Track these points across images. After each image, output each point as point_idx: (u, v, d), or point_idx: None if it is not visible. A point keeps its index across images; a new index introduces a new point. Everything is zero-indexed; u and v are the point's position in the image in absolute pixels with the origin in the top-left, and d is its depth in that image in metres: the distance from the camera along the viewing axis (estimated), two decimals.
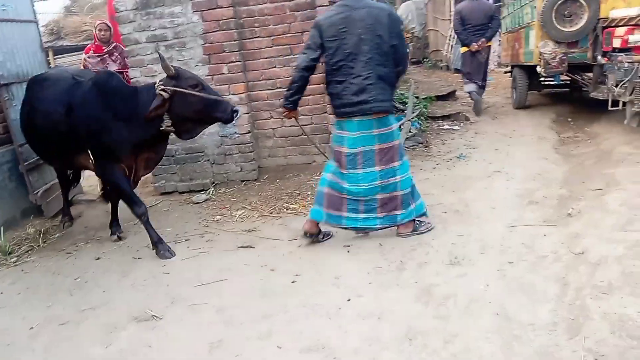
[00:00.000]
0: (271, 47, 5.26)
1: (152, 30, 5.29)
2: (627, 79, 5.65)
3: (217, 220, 4.47)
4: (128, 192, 3.91)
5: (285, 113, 3.76)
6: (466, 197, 4.46)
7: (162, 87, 3.62)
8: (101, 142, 3.78)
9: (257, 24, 5.24)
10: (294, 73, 3.54)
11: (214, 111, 3.74)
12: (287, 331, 2.64)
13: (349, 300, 2.87)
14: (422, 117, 7.96)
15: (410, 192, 3.67)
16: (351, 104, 3.41)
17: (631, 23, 5.81)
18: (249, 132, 5.32)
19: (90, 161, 3.91)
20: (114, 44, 5.52)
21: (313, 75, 3.55)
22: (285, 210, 4.47)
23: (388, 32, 3.36)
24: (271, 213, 4.45)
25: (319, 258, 3.47)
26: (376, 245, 3.60)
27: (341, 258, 3.44)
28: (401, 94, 10.24)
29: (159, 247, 3.84)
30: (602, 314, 2.46)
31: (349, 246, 3.62)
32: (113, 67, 5.33)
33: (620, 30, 5.88)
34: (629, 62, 5.60)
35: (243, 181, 5.37)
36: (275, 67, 5.28)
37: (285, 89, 3.66)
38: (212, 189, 5.28)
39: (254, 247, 3.79)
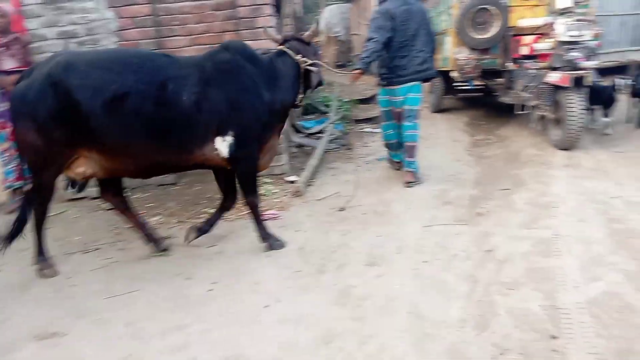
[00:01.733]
0: (191, 46, 5.08)
1: (62, 26, 4.96)
2: (533, 84, 6.03)
3: (130, 227, 4.25)
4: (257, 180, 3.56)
5: (359, 73, 4.67)
6: (386, 198, 4.55)
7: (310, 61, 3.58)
8: (256, 120, 3.33)
9: (176, 22, 5.06)
10: (373, 45, 4.56)
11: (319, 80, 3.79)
12: (202, 342, 2.55)
13: (267, 306, 2.82)
14: (345, 120, 8.09)
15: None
16: (417, 72, 4.70)
17: (537, 32, 6.21)
18: None
19: (218, 152, 3.29)
20: (14, 35, 4.86)
21: None
22: (204, 215, 4.33)
23: (430, 22, 4.86)
24: (190, 219, 4.31)
25: (238, 264, 3.39)
26: (297, 248, 3.59)
27: (261, 263, 3.39)
28: (325, 96, 10.36)
29: (269, 240, 3.58)
30: (508, 309, 2.59)
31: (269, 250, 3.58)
32: (9, 64, 4.71)
33: (527, 39, 6.28)
34: (534, 69, 5.99)
35: (160, 185, 5.16)
36: None
37: (363, 55, 4.62)
38: (127, 194, 5.03)
39: (169, 255, 3.64)
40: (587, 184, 4.45)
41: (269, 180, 5.07)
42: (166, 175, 4.87)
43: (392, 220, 4.00)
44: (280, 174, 5.20)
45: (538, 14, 6.77)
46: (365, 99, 10.32)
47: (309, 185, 5.01)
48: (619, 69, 10.63)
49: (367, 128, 7.89)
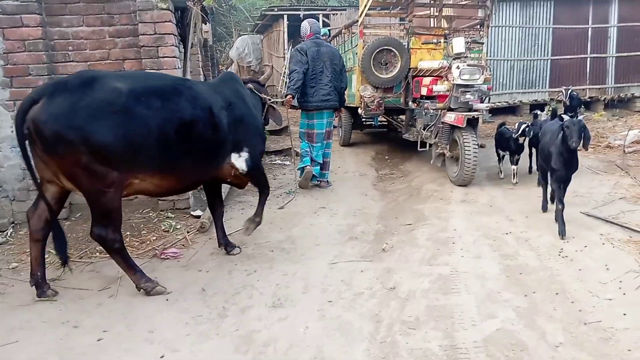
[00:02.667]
0: None
1: None
2: (432, 123, 6.36)
3: (13, 268, 3.85)
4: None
5: (290, 97, 5.70)
6: (293, 234, 4.51)
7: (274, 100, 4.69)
8: (260, 139, 4.04)
9: (71, 48, 4.77)
10: (296, 75, 5.70)
11: None
12: None
13: (162, 357, 2.62)
14: None
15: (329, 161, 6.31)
16: (322, 101, 5.85)
17: (435, 74, 6.59)
18: None
19: (234, 167, 3.77)
20: None
21: None
22: (98, 253, 4.03)
23: (339, 62, 5.98)
24: (81, 258, 3.97)
25: (132, 309, 3.15)
26: (198, 290, 3.41)
27: (158, 307, 3.17)
28: None
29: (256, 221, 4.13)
30: (409, 351, 2.61)
31: (168, 293, 3.36)
32: None
33: (427, 80, 6.63)
34: (433, 109, 6.32)
35: None
36: None
37: (290, 84, 5.78)
38: (11, 230, 4.57)
39: (55, 300, 3.31)
40: (482, 220, 4.71)
41: (172, 215, 4.85)
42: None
43: (299, 258, 3.95)
44: (184, 208, 4.99)
45: (436, 57, 7.23)
46: (276, 130, 10.35)
47: None
48: (510, 109, 11.63)
49: (278, 160, 7.88)
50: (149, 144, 3.08)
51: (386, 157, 7.98)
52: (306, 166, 5.94)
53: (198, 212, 4.90)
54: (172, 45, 4.80)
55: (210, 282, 3.52)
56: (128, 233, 4.40)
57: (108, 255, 3.90)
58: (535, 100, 11.70)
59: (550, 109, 11.14)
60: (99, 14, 4.80)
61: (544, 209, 4.77)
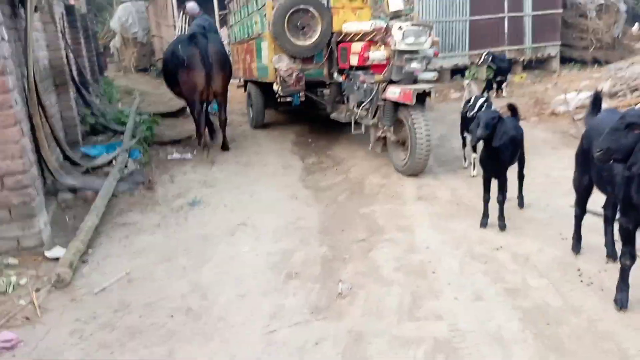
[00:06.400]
0: None
1: None
2: (368, 100, 5.12)
3: None
4: None
5: None
6: (203, 279, 3.10)
7: None
8: None
9: None
10: None
11: None
12: None
13: None
14: (145, 144, 6.32)
15: None
16: None
17: (366, 39, 5.30)
18: None
19: None
20: None
21: None
22: None
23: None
24: None
25: None
26: None
27: None
28: (120, 111, 8.32)
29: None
30: None
31: None
32: None
33: (357, 47, 5.32)
34: (370, 82, 5.06)
35: None
36: None
37: None
38: None
39: None
40: (455, 227, 3.60)
41: (14, 262, 3.20)
42: None
43: (216, 326, 2.57)
44: (34, 247, 3.34)
45: (362, 17, 5.97)
46: (173, 112, 8.65)
47: (83, 262, 3.28)
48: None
49: (175, 154, 6.24)
50: None
51: (310, 141, 6.64)
52: None
53: (56, 252, 3.29)
54: None
55: None
56: None
57: None
58: (456, 65, 10.92)
59: (472, 74, 10.53)
60: None
61: (577, 250, 3.11)
